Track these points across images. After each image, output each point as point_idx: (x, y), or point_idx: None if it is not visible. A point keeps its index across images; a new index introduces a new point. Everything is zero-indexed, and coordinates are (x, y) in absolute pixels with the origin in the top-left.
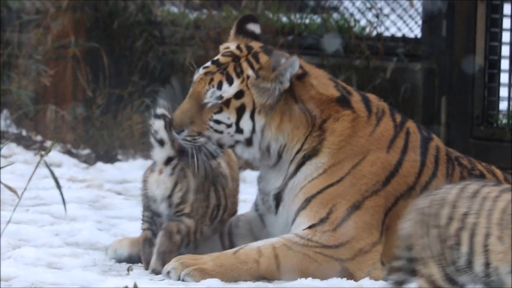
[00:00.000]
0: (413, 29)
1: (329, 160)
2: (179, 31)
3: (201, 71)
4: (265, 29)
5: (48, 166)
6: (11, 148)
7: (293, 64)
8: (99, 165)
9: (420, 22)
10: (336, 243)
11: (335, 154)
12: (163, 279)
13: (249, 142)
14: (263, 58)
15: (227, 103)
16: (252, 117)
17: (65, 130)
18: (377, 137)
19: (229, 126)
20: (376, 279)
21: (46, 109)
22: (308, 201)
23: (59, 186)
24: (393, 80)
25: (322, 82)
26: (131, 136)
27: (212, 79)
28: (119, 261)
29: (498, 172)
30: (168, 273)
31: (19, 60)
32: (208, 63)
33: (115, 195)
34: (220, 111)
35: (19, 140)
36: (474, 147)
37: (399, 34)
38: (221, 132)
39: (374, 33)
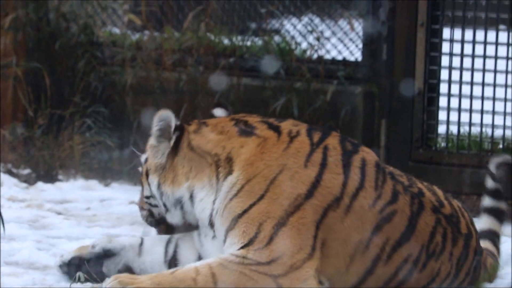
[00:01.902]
0: (354, 53)
1: (242, 174)
2: (121, 52)
3: None
4: (207, 51)
5: None
6: None
7: (163, 117)
8: (40, 185)
9: (360, 46)
10: (268, 259)
11: (248, 169)
12: None
13: (165, 206)
14: None
15: (142, 172)
16: (149, 180)
17: (5, 150)
18: (292, 153)
19: (153, 197)
20: None
21: None
22: (235, 221)
23: None
24: (333, 103)
25: (221, 126)
26: (72, 157)
27: None
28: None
29: (439, 191)
30: None
31: None
32: None
33: (55, 215)
34: (143, 188)
35: None
36: (413, 170)
37: (339, 57)
38: (155, 206)
39: (315, 56)
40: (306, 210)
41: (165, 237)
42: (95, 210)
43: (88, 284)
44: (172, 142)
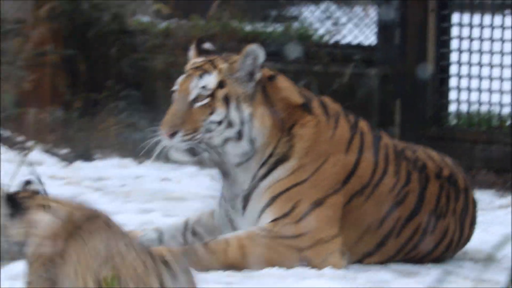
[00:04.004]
0: (369, 37)
1: (297, 163)
2: (150, 39)
3: (182, 76)
4: (230, 37)
5: (31, 165)
6: None
7: (252, 51)
8: (78, 163)
9: (375, 31)
10: (296, 233)
11: (303, 158)
12: None
13: (239, 134)
14: (234, 56)
15: (213, 95)
16: (238, 107)
17: (46, 132)
18: (337, 140)
19: (220, 123)
20: (334, 266)
21: (28, 112)
22: (273, 199)
23: (41, 183)
24: (350, 85)
25: (289, 88)
26: (107, 137)
27: (192, 75)
28: None
29: (434, 154)
30: None
31: (1, 66)
32: (187, 68)
33: (93, 191)
34: (212, 111)
35: (4, 140)
36: (426, 147)
37: (355, 42)
38: (212, 131)
39: (332, 41)
40: (341, 195)
41: (180, 226)
42: (130, 186)
43: None
44: (258, 76)
